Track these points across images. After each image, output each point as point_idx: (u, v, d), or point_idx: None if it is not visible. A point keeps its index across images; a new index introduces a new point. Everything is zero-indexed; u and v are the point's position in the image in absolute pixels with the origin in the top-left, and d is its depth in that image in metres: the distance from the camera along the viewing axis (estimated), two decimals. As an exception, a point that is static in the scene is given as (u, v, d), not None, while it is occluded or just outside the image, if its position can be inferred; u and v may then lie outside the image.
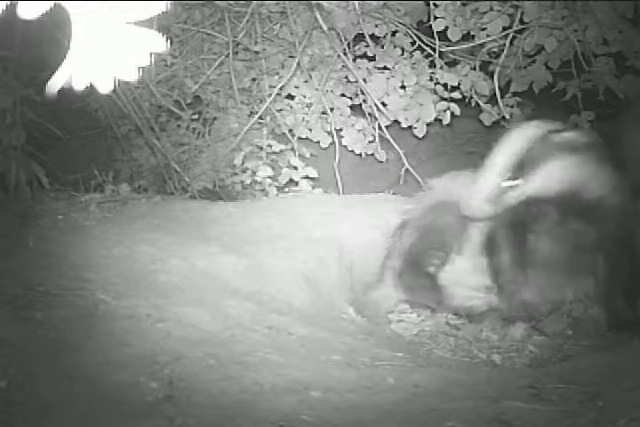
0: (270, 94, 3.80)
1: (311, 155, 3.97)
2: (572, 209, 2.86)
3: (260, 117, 3.88)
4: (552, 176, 2.78)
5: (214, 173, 3.92)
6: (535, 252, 3.02)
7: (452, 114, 3.68)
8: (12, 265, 2.46)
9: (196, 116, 4.00)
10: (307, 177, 3.93)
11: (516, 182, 2.78)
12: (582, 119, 3.58)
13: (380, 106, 3.69)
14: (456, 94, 3.64)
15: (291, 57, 3.84)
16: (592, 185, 2.84)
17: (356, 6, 3.50)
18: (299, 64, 3.76)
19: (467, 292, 3.13)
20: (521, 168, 2.77)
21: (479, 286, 3.13)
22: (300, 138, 3.97)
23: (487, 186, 2.81)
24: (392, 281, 3.26)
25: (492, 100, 3.66)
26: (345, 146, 3.95)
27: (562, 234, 2.94)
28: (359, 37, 3.71)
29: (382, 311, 3.19)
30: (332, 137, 3.94)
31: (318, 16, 3.53)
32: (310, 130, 3.98)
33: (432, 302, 3.18)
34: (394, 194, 3.93)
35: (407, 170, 3.83)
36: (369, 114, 3.89)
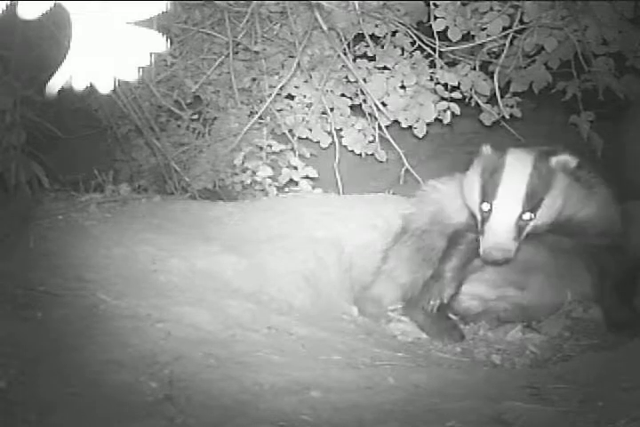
0: (270, 94, 3.79)
1: (311, 155, 3.97)
2: (565, 230, 2.85)
3: (260, 117, 3.88)
4: (556, 203, 2.70)
5: (214, 173, 3.92)
6: (532, 259, 3.04)
7: (453, 114, 3.68)
8: (11, 265, 2.46)
9: (195, 116, 3.99)
10: (307, 177, 3.93)
11: (529, 214, 2.64)
12: (582, 119, 3.57)
13: (380, 106, 3.69)
14: (456, 94, 3.64)
15: (291, 57, 3.84)
16: (583, 205, 2.82)
17: (356, 6, 3.49)
18: (299, 64, 3.75)
19: (462, 296, 3.14)
20: (529, 198, 2.63)
21: (474, 293, 3.14)
22: (300, 138, 3.97)
23: (505, 225, 2.63)
24: (386, 282, 3.26)
25: (492, 100, 3.66)
26: (345, 146, 3.95)
27: (553, 243, 2.95)
28: (359, 37, 3.71)
29: (382, 309, 3.20)
30: (332, 137, 3.94)
31: (318, 16, 3.53)
32: (310, 130, 3.97)
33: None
34: (394, 194, 3.93)
35: (407, 170, 3.83)
36: (369, 114, 3.89)
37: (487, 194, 2.70)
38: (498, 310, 3.11)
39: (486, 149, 2.81)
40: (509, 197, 2.64)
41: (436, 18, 3.47)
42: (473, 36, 3.52)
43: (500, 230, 2.63)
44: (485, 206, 2.70)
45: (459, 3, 3.46)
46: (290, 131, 3.94)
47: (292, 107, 3.97)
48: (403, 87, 3.70)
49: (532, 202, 2.64)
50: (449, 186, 3.22)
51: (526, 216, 2.64)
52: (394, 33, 3.68)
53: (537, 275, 3.09)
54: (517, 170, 2.68)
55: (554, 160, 2.70)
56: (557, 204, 2.70)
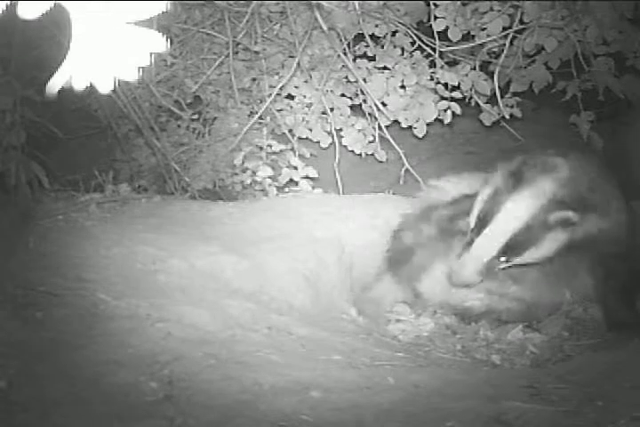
0: (270, 94, 3.79)
1: (311, 155, 3.97)
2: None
3: (260, 117, 3.88)
4: (546, 249, 2.71)
5: (214, 173, 3.92)
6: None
7: (453, 113, 3.67)
8: (11, 265, 2.46)
9: (195, 116, 3.99)
10: (307, 177, 3.93)
11: (506, 257, 2.70)
12: (582, 119, 3.57)
13: (380, 106, 3.69)
14: (456, 94, 3.64)
15: (291, 57, 3.84)
16: (597, 223, 2.79)
17: (356, 6, 3.49)
18: (299, 64, 3.75)
19: (464, 293, 3.13)
20: (510, 246, 2.67)
21: (478, 288, 3.13)
22: (300, 138, 3.97)
23: (474, 264, 2.72)
24: (389, 282, 3.26)
25: (492, 100, 3.66)
26: (345, 146, 3.95)
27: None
28: (359, 37, 3.71)
29: (382, 310, 3.20)
30: (332, 137, 3.94)
31: (318, 16, 3.53)
32: (310, 130, 3.97)
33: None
34: (394, 194, 3.93)
35: (407, 170, 3.83)
36: (369, 114, 3.89)
37: (477, 225, 2.74)
38: (500, 311, 3.10)
39: (502, 173, 2.77)
40: (490, 239, 2.69)
41: (436, 18, 3.47)
42: (473, 36, 3.52)
43: (469, 268, 2.74)
44: (473, 234, 2.75)
45: (459, 3, 3.45)
46: (290, 131, 3.94)
47: (291, 107, 3.97)
48: (403, 87, 3.70)
49: (514, 250, 2.68)
50: (452, 183, 3.23)
51: (502, 259, 2.71)
52: (394, 33, 3.68)
53: (533, 268, 3.08)
54: (513, 215, 2.66)
55: (552, 217, 2.67)
56: (547, 248, 2.71)
